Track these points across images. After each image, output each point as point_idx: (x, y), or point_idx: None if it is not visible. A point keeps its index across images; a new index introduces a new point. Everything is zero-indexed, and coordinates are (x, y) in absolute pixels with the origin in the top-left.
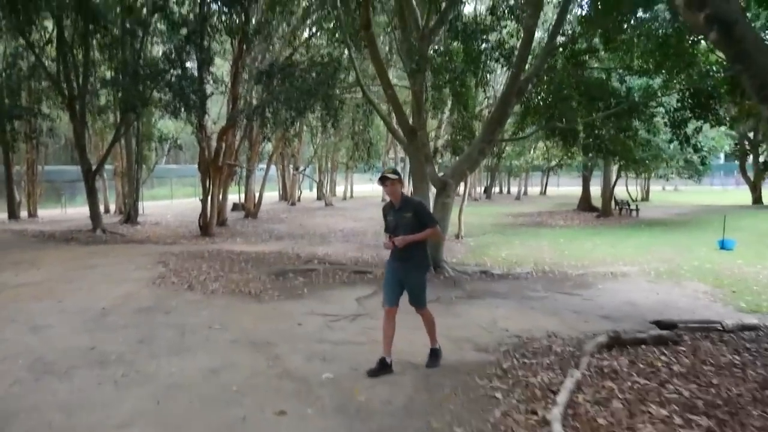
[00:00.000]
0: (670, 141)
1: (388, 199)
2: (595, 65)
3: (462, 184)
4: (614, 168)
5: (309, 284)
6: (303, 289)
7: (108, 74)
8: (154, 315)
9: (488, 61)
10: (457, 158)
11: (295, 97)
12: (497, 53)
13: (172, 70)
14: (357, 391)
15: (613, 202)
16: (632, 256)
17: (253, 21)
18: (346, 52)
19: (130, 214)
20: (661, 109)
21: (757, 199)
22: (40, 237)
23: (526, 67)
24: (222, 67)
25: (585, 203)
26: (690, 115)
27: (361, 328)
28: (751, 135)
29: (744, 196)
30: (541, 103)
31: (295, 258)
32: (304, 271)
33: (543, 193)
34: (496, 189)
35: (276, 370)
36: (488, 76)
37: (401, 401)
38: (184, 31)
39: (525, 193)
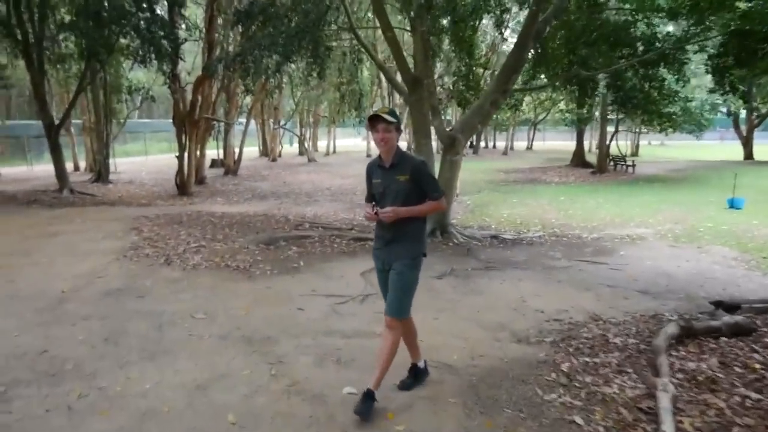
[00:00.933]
0: (711, 91)
1: (376, 153)
2: (618, 6)
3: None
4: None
5: (304, 255)
6: (298, 261)
7: (67, 18)
8: (125, 300)
9: None
10: (465, 111)
11: (279, 42)
12: None
13: (139, 13)
14: (391, 416)
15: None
16: (641, 217)
17: None
18: None
19: (100, 173)
20: (692, 56)
21: (748, 155)
22: None
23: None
24: (196, 13)
25: (579, 159)
26: (733, 62)
27: (373, 312)
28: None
29: (733, 151)
30: (558, 49)
31: (284, 221)
32: (297, 239)
33: (529, 148)
34: (482, 143)
35: (282, 383)
36: (504, 15)
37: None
38: None
39: (511, 147)
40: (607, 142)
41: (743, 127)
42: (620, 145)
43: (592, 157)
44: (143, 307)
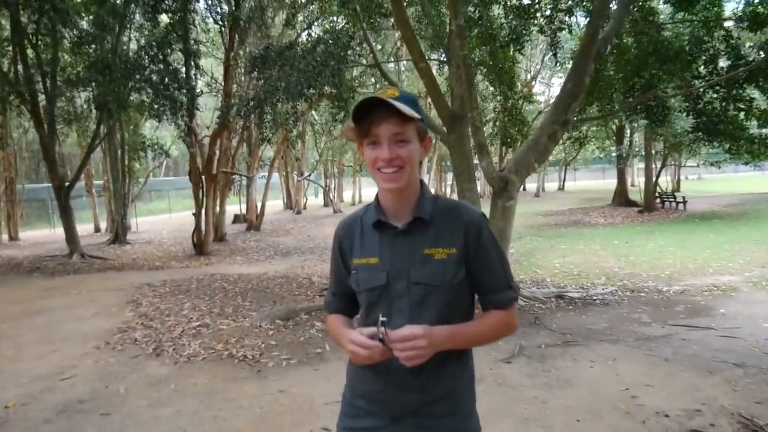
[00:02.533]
0: None
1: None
2: (681, 20)
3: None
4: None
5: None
6: (323, 343)
7: (76, 74)
8: (82, 422)
9: (555, 13)
10: (516, 148)
11: (294, 81)
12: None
13: (151, 65)
14: None
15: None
16: (717, 261)
17: (246, 6)
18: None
19: (117, 233)
20: None
21: None
22: (2, 266)
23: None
24: (215, 66)
25: (621, 197)
26: None
27: None
28: None
29: None
30: (617, 72)
31: (307, 285)
32: (321, 310)
33: (561, 188)
34: None
35: None
36: (558, 34)
37: None
38: (164, 18)
39: (543, 189)
40: (654, 178)
41: None
42: (660, 181)
43: (634, 195)
44: None
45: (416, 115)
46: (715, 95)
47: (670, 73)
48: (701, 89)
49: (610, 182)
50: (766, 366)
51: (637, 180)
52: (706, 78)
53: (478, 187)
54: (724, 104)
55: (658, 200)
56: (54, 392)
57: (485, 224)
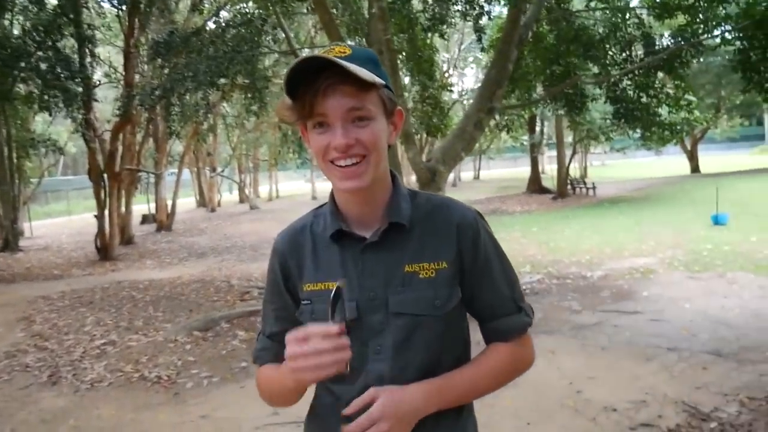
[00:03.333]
0: (745, 90)
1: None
2: (596, 8)
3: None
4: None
5: (254, 344)
6: (247, 355)
7: None
8: None
9: None
10: (442, 138)
11: (205, 69)
12: None
13: (39, 52)
14: None
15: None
16: (631, 243)
17: None
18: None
19: (8, 240)
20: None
21: (695, 168)
22: None
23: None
24: (113, 54)
25: (535, 185)
26: (760, 56)
27: None
28: None
29: (677, 165)
30: (536, 60)
31: (226, 289)
32: (243, 316)
33: (477, 177)
34: None
35: None
36: (483, 18)
37: None
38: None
39: (459, 178)
40: (566, 165)
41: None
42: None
43: (547, 182)
44: None
45: (379, 80)
46: (629, 82)
47: (593, 60)
48: (618, 76)
49: (523, 170)
50: (698, 348)
51: (547, 167)
52: (621, 66)
53: (403, 179)
54: (637, 91)
55: (569, 187)
56: None
57: (483, 225)
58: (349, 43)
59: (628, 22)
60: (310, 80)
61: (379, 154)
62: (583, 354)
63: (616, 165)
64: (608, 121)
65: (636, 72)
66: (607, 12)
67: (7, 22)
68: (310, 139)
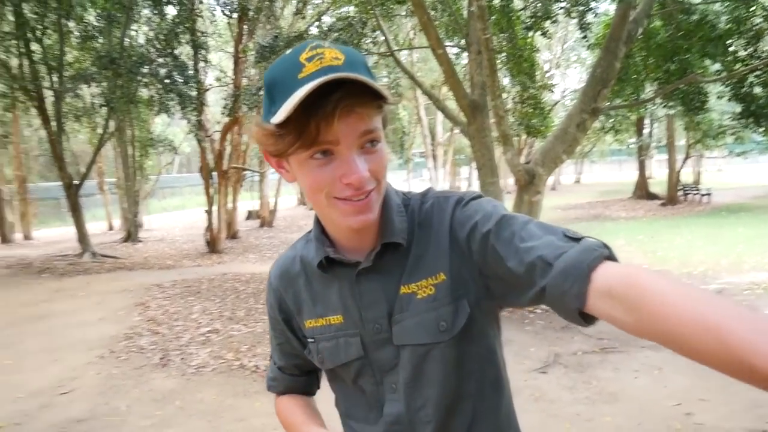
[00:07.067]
0: None
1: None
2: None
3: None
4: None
5: None
6: None
7: (83, 69)
8: None
9: None
10: (543, 139)
11: None
12: None
13: (159, 59)
14: None
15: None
16: (752, 256)
17: None
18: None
19: (130, 232)
20: None
21: None
22: (13, 267)
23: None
24: (224, 60)
25: (642, 190)
26: None
27: None
28: None
29: None
30: (647, 57)
31: None
32: None
33: (578, 181)
34: None
35: None
36: (588, 14)
37: None
38: (171, 11)
39: (559, 182)
40: (678, 170)
41: None
42: (681, 173)
43: (655, 187)
44: None
45: (387, 93)
46: (755, 79)
47: (712, 56)
48: (743, 73)
49: (627, 175)
50: None
51: (654, 172)
52: (746, 62)
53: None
54: (767, 89)
55: (680, 192)
56: (51, 410)
57: (475, 197)
58: (328, 42)
59: (756, 14)
60: (310, 100)
61: (385, 179)
62: (693, 374)
63: (733, 170)
64: (734, 120)
65: (762, 68)
66: (729, 3)
67: (134, 32)
68: (299, 171)
